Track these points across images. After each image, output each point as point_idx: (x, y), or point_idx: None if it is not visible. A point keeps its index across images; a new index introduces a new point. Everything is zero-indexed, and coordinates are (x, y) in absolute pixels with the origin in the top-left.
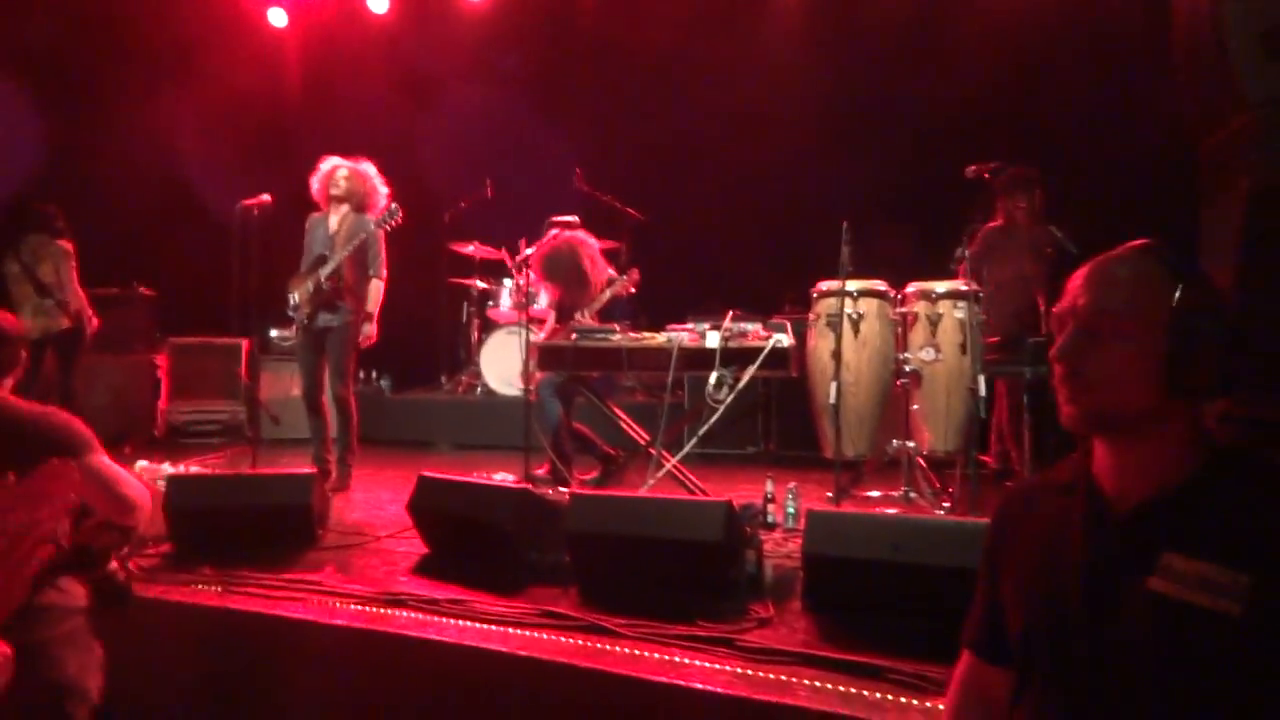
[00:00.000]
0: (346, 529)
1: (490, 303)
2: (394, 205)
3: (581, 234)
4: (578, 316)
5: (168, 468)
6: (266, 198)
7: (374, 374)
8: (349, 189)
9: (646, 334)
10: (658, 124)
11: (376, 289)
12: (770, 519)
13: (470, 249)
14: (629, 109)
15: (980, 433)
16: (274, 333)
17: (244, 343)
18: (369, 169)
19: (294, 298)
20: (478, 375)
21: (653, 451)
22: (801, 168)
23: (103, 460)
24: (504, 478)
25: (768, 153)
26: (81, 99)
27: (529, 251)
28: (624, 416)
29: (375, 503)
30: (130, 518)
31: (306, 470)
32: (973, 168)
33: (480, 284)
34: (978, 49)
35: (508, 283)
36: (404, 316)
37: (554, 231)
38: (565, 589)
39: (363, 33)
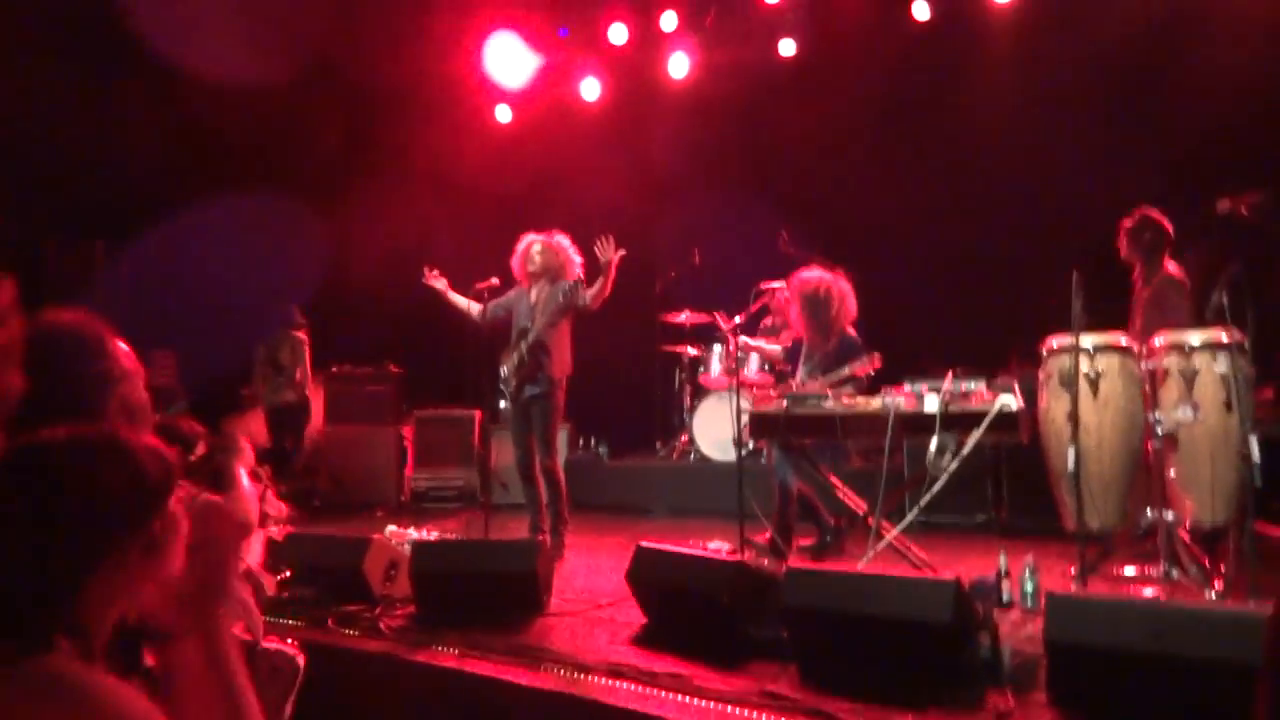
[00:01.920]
0: (571, 595)
1: (701, 369)
2: (570, 284)
3: (843, 282)
4: (799, 376)
5: (413, 533)
6: (495, 281)
7: (592, 441)
8: (544, 262)
9: (861, 399)
10: (862, 177)
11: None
12: (1006, 597)
13: (682, 317)
14: (832, 166)
15: (1258, 501)
16: (503, 404)
17: (476, 413)
18: (562, 241)
19: (504, 370)
20: (691, 441)
21: (872, 522)
22: (1025, 211)
23: None
24: (719, 546)
25: (985, 198)
26: (349, 205)
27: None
28: (840, 485)
29: (597, 569)
30: None
31: (532, 539)
32: (1225, 201)
33: (691, 351)
34: (1214, 82)
35: (718, 349)
36: (620, 384)
37: (802, 276)
38: (784, 666)
39: (576, 120)
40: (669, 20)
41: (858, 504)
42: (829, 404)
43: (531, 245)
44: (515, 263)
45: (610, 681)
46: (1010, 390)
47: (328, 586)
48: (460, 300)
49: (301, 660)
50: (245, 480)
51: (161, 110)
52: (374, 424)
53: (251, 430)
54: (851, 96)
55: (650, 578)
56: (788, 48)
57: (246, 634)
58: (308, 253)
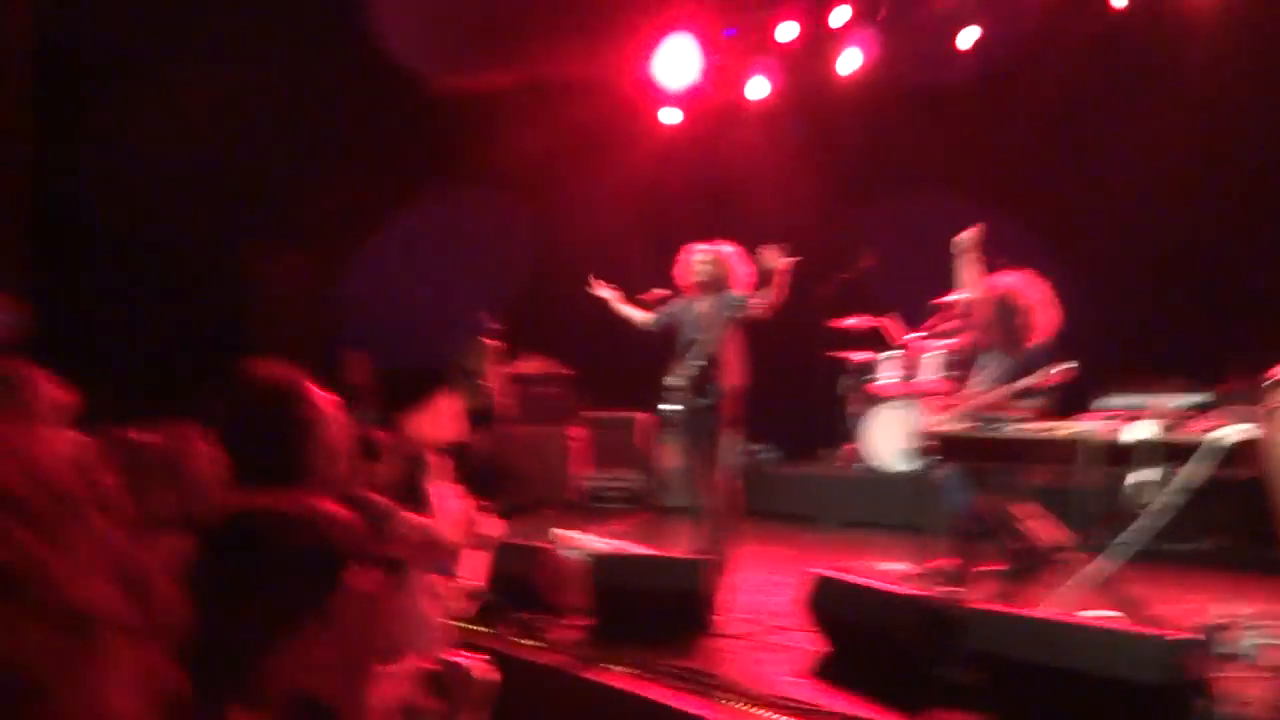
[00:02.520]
0: (739, 614)
1: (871, 376)
2: (739, 297)
3: (1041, 289)
4: (975, 384)
5: (579, 537)
6: (661, 291)
7: (757, 447)
8: (711, 273)
9: (1053, 423)
10: (1051, 173)
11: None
12: (1224, 650)
13: (851, 321)
14: (1018, 161)
15: None
16: (664, 406)
17: (644, 415)
18: (728, 251)
19: (673, 380)
20: (861, 450)
21: (1065, 557)
22: (1235, 211)
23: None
24: (896, 568)
25: (1191, 195)
26: (525, 207)
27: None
28: (1031, 514)
29: (764, 586)
30: None
31: (700, 556)
32: None
33: (861, 356)
34: None
35: (890, 355)
36: (787, 389)
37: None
38: (971, 715)
39: (743, 120)
40: (839, 15)
41: (1052, 533)
42: (1015, 428)
43: (696, 255)
44: (680, 273)
45: (782, 719)
46: (1230, 415)
47: (503, 591)
48: (626, 310)
49: (497, 675)
50: (449, 498)
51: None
52: (545, 424)
53: (440, 424)
54: (1040, 88)
55: (827, 606)
56: (968, 38)
57: (431, 663)
58: (496, 257)
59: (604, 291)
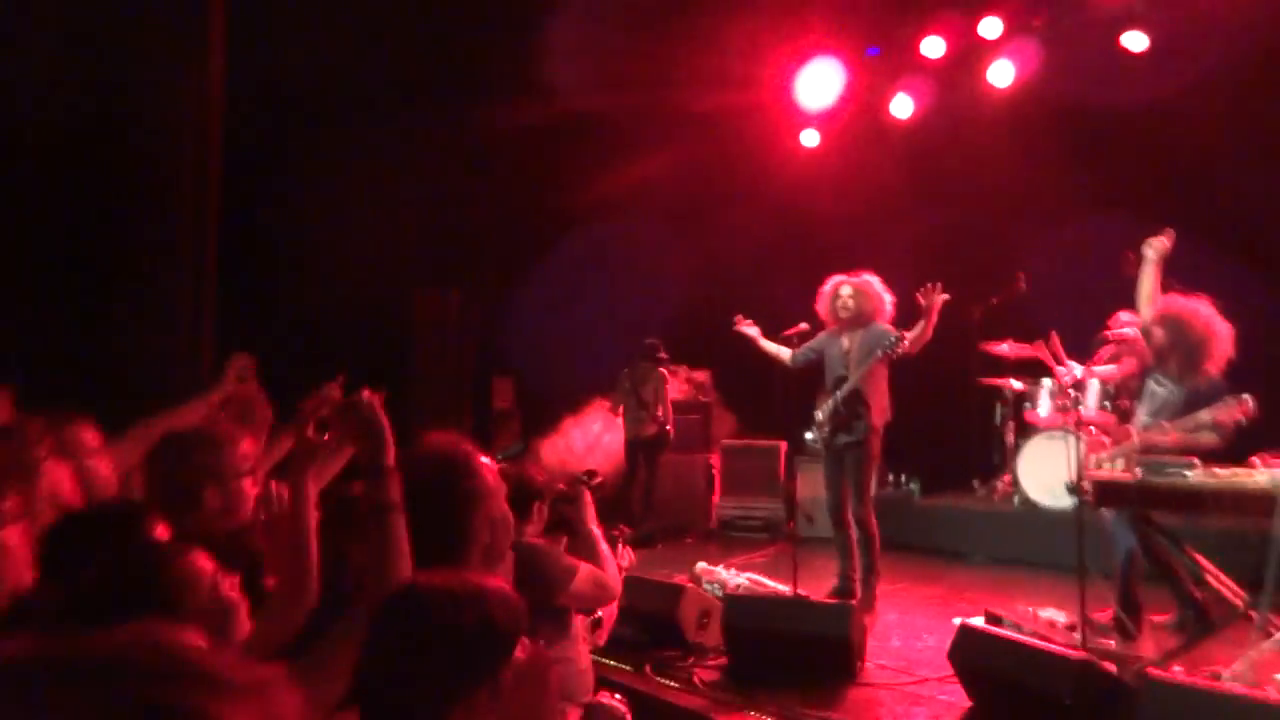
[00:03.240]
0: (885, 660)
1: (1027, 404)
2: (896, 334)
3: (1220, 319)
4: (1140, 418)
5: (721, 572)
6: (804, 326)
7: (902, 477)
8: (857, 307)
9: (1237, 470)
10: (1232, 189)
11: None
12: None
13: (1003, 347)
14: (1192, 175)
15: None
16: (807, 436)
17: (782, 445)
18: (872, 282)
19: (818, 415)
20: (1015, 483)
21: (1254, 615)
22: None
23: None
24: (1053, 617)
25: None
26: (671, 234)
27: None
28: (1210, 568)
29: (912, 628)
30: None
31: (848, 601)
32: None
33: (1016, 384)
34: None
35: (1047, 383)
36: (933, 417)
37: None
38: None
39: (886, 140)
40: (990, 27)
41: (1233, 591)
42: (1193, 475)
43: (840, 288)
44: (822, 306)
45: None
46: None
47: (643, 628)
48: (771, 346)
49: (629, 716)
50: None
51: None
52: (685, 452)
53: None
54: (1219, 94)
55: (976, 660)
56: (1136, 41)
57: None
58: (650, 284)
59: (749, 329)
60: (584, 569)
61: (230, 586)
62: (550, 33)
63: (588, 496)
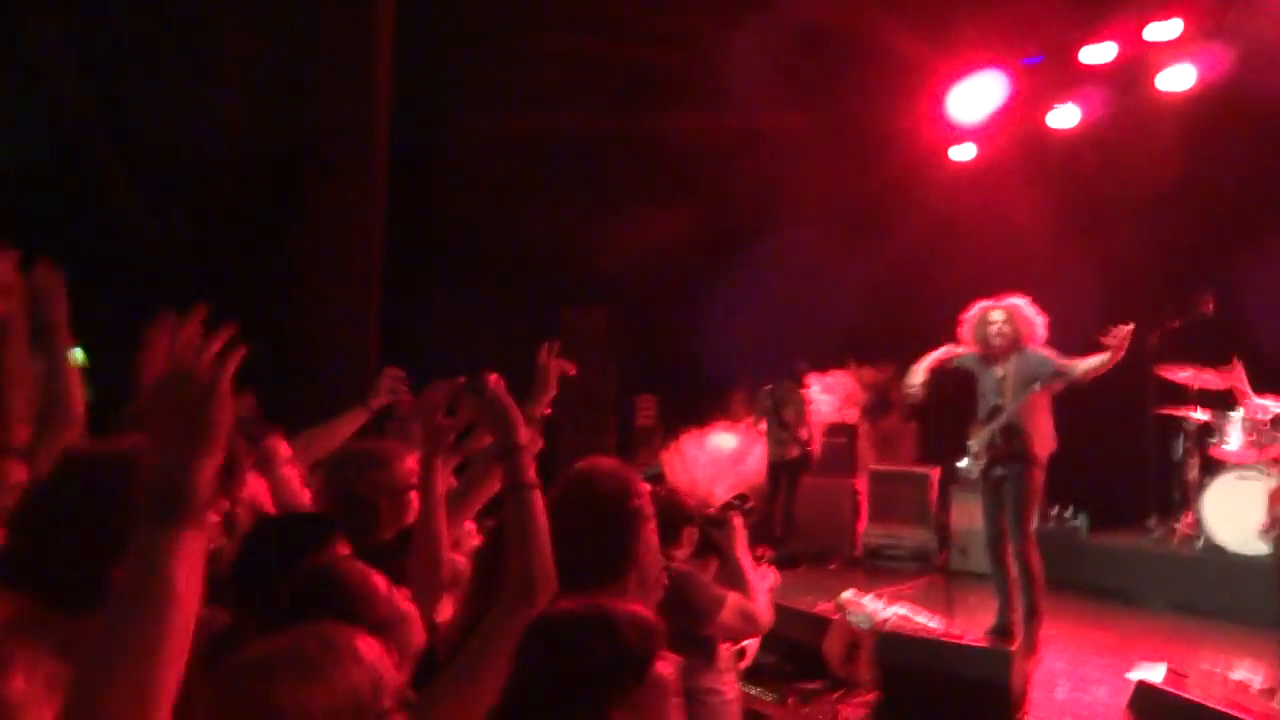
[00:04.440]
0: (1047, 714)
1: (1213, 438)
2: (1056, 367)
3: None
4: None
5: (870, 603)
6: (960, 350)
7: (1068, 511)
8: (1013, 332)
9: None
10: None
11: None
12: None
13: (1185, 375)
14: None
15: None
16: (960, 464)
17: (934, 472)
18: (1022, 305)
19: (972, 445)
20: (1199, 523)
21: None
22: None
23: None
24: (1246, 678)
25: None
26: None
27: None
28: None
29: (1079, 678)
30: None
31: (1006, 646)
32: None
33: (1199, 415)
34: None
35: (1237, 415)
36: (1103, 447)
37: None
38: None
39: (1046, 153)
40: (1165, 30)
41: None
42: None
43: (989, 314)
44: (969, 333)
45: None
46: None
47: (787, 656)
48: (917, 374)
49: None
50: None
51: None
52: (830, 476)
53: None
54: None
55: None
56: None
57: None
58: (807, 301)
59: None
60: (732, 599)
61: (403, 599)
62: (714, 49)
63: (739, 523)
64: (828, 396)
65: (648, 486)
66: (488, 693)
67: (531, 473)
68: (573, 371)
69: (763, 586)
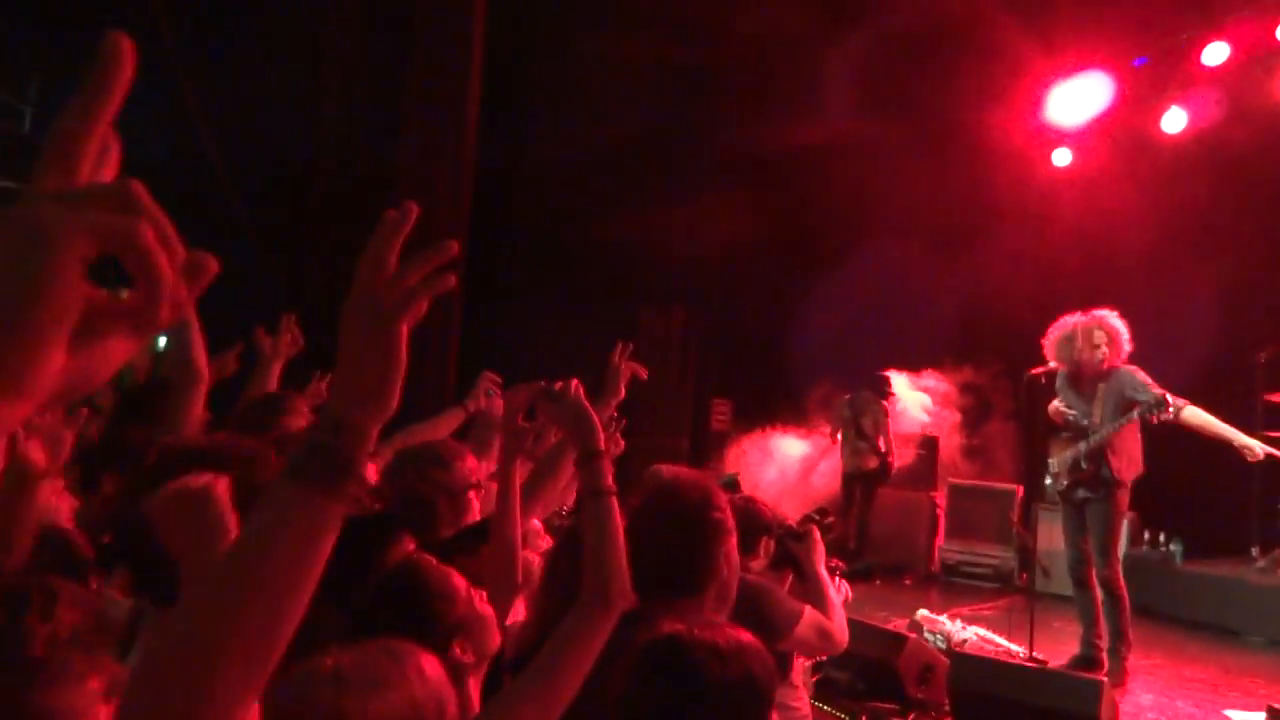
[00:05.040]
0: None
1: None
2: (1163, 397)
3: None
4: None
5: (946, 623)
6: (1055, 366)
7: (1162, 537)
8: (1110, 354)
9: None
10: None
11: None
12: None
13: None
14: None
15: None
16: (1048, 481)
17: (1018, 489)
18: (1116, 324)
19: (1053, 464)
20: None
21: None
22: None
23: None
24: None
25: None
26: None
27: None
28: None
29: (1171, 715)
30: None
31: (1095, 677)
32: None
33: None
34: None
35: None
36: (1203, 471)
37: None
38: None
39: (1154, 158)
40: None
41: None
42: None
43: (1091, 332)
44: (1059, 349)
45: None
46: None
47: (859, 674)
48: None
49: None
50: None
51: (727, 187)
52: (908, 489)
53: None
54: None
55: None
56: None
57: None
58: (899, 311)
59: None
60: (809, 614)
61: (481, 600)
62: (807, 52)
63: (818, 535)
64: (920, 396)
65: (728, 497)
66: (561, 699)
67: (610, 479)
68: (644, 375)
69: (839, 603)
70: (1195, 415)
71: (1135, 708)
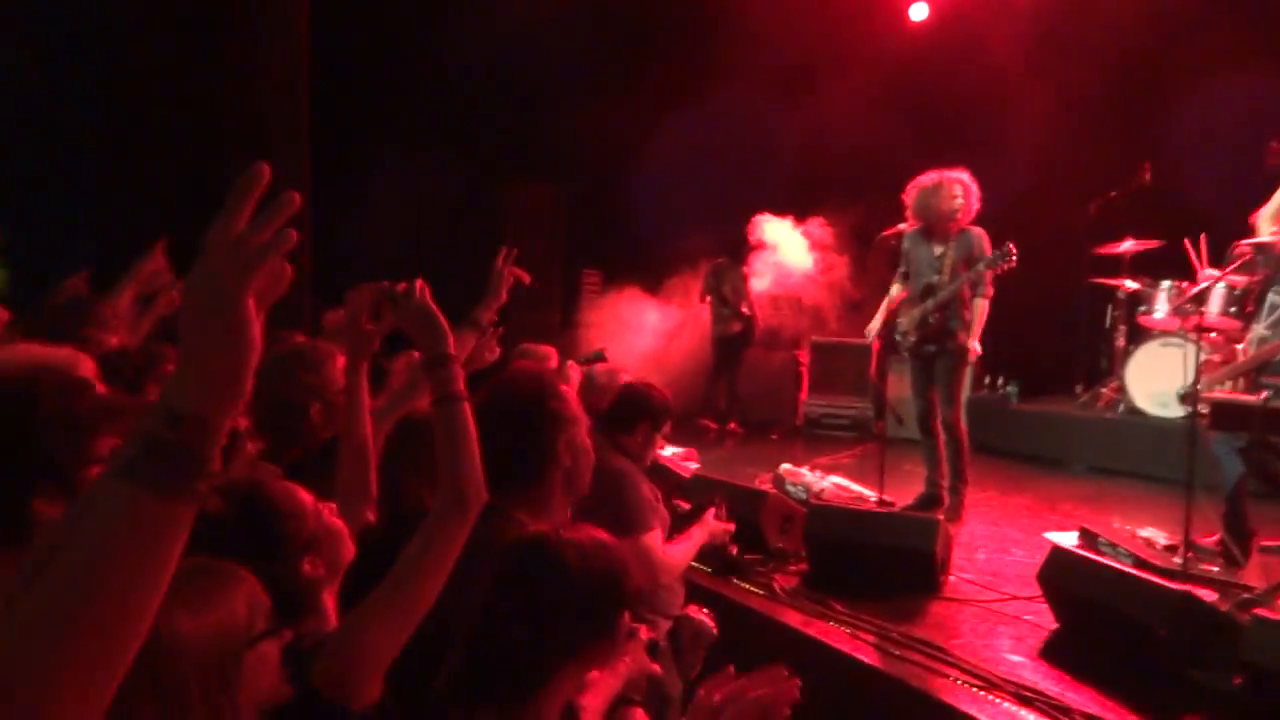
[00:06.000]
0: (971, 574)
1: (1142, 307)
2: (1007, 246)
3: None
4: (1258, 329)
5: (807, 474)
6: (904, 227)
7: (999, 379)
8: (950, 210)
9: None
10: None
11: (982, 309)
12: None
13: (1124, 246)
14: None
15: None
16: (897, 337)
17: (874, 343)
18: (966, 179)
19: (902, 324)
20: (1121, 389)
21: None
22: None
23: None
24: (1152, 536)
25: None
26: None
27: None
28: None
29: (1001, 541)
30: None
31: (932, 516)
32: None
33: (1130, 285)
34: None
35: (1165, 285)
36: (1036, 317)
37: None
38: None
39: (1003, 10)
40: None
41: None
42: None
43: (951, 187)
44: (919, 202)
45: (1017, 709)
46: None
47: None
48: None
49: (715, 629)
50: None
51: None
52: (773, 348)
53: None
54: None
55: (1066, 586)
56: None
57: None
58: (754, 167)
59: None
60: (651, 538)
61: (330, 513)
62: None
63: (709, 517)
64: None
65: (571, 390)
66: (421, 606)
67: (460, 384)
68: (527, 280)
69: (681, 563)
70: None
71: (970, 538)
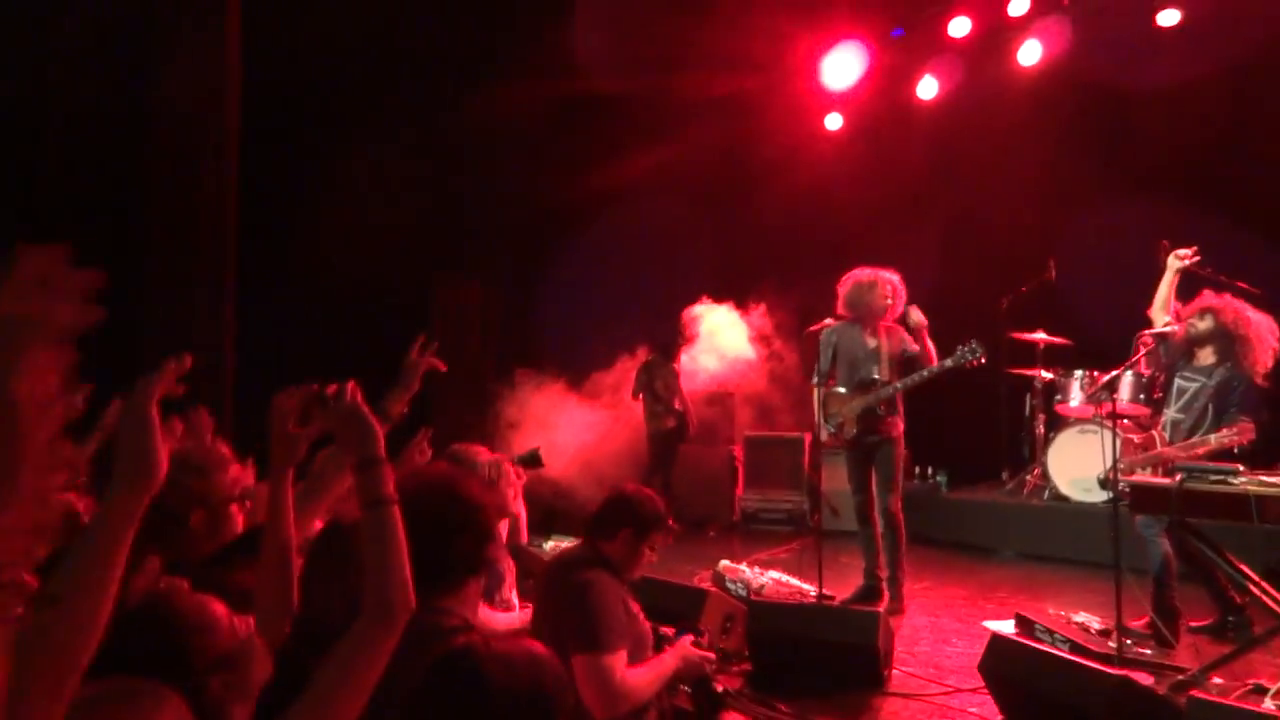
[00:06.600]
0: (914, 667)
1: (1058, 396)
2: (974, 343)
3: (1267, 321)
4: (1167, 417)
5: (746, 570)
6: (830, 322)
7: (929, 470)
8: (884, 308)
9: None
10: (1273, 172)
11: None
12: None
13: (1038, 336)
14: (1234, 157)
15: None
16: (830, 430)
17: (806, 436)
18: (896, 281)
19: (836, 415)
20: (1045, 476)
21: None
22: None
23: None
24: (1086, 621)
25: None
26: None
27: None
28: (1252, 575)
29: (941, 633)
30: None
31: (873, 609)
32: None
33: (1045, 375)
34: None
35: (1078, 374)
36: (961, 408)
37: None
38: None
39: (912, 122)
40: (1019, 5)
41: (1276, 600)
42: (1240, 481)
43: (884, 284)
44: (854, 296)
45: None
46: None
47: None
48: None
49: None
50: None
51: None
52: (708, 444)
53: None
54: (1255, 74)
55: (1008, 674)
56: (1169, 18)
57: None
58: (677, 270)
59: None
60: (613, 660)
61: (246, 627)
62: (573, 13)
63: (685, 642)
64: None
65: (477, 490)
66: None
67: (390, 487)
68: (444, 368)
69: (656, 677)
70: (940, 364)
71: (912, 630)
